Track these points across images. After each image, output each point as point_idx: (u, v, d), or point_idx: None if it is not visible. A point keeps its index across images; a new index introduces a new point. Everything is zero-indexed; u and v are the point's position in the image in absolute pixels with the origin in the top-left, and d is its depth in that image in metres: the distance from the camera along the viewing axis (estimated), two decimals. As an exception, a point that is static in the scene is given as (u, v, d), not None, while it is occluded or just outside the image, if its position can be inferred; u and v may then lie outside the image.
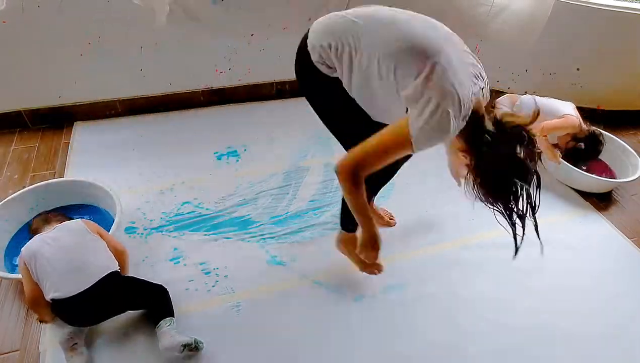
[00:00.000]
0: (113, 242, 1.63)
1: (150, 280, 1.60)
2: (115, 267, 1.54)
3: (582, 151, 2.35)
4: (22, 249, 1.50)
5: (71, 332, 1.46)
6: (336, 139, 1.55)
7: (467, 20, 2.69)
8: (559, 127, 2.32)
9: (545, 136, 2.33)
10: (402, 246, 1.99)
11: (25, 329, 1.58)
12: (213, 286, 1.77)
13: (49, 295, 1.43)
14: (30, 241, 1.53)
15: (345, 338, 1.62)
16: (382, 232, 2.04)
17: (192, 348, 1.44)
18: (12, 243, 1.83)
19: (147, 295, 1.56)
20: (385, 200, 2.21)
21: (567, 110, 2.33)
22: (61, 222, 1.61)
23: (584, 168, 2.40)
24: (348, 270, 1.86)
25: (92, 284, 1.44)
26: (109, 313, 1.52)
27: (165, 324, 1.49)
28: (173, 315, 1.55)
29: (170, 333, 1.47)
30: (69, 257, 1.47)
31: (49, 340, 1.54)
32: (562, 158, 2.33)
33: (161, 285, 1.60)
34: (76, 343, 1.45)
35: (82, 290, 1.42)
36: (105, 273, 1.48)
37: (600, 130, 2.38)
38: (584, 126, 2.34)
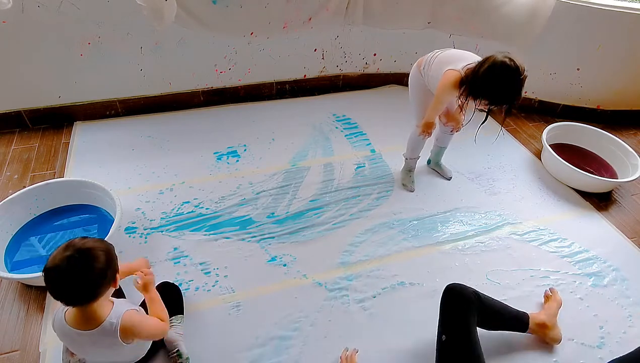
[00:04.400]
0: (153, 331, 1.33)
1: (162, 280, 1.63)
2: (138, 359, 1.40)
3: (473, 85, 1.73)
4: (54, 320, 1.24)
5: None
6: None
7: (467, 17, 2.69)
8: (438, 100, 1.90)
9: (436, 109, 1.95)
10: (403, 246, 1.99)
11: (25, 329, 1.58)
12: (213, 286, 1.77)
13: None
14: (62, 326, 1.21)
15: (346, 338, 1.62)
16: (384, 231, 2.05)
17: (180, 361, 1.45)
18: (12, 243, 1.83)
19: (162, 296, 1.54)
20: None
21: (449, 65, 1.86)
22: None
23: (497, 108, 1.78)
24: (348, 269, 1.87)
25: None
26: None
27: (175, 320, 1.54)
28: (183, 313, 1.59)
29: (178, 330, 1.51)
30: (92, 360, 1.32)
31: (49, 340, 1.54)
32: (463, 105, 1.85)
33: (174, 284, 1.64)
34: None
35: None
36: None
37: (504, 54, 1.74)
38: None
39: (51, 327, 1.53)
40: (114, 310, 1.22)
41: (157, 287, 1.61)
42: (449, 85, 1.82)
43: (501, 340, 1.63)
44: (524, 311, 1.62)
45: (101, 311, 1.19)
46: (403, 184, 2.34)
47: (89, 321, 1.18)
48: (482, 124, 1.81)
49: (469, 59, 1.87)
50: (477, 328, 1.45)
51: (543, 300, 1.80)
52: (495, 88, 1.70)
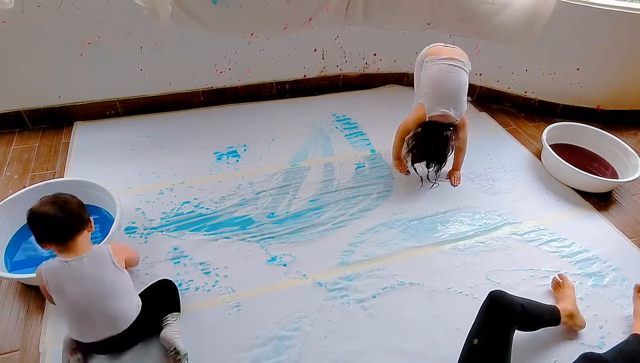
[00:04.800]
0: (131, 256, 1.63)
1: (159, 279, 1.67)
2: (136, 312, 1.47)
3: (414, 149, 2.12)
4: (45, 269, 1.37)
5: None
6: None
7: (467, 17, 2.69)
8: (407, 124, 2.21)
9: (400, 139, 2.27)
10: (403, 246, 1.99)
11: (25, 329, 1.58)
12: (213, 286, 1.77)
13: (69, 333, 1.42)
14: (54, 265, 1.36)
15: (346, 338, 1.62)
16: (384, 231, 2.05)
17: (178, 358, 1.46)
18: (12, 243, 1.83)
19: (158, 293, 1.60)
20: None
21: (421, 98, 2.15)
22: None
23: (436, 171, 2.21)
24: (348, 269, 1.87)
25: (111, 335, 1.42)
26: (130, 347, 1.52)
27: (171, 318, 1.55)
28: (179, 310, 1.60)
29: (173, 328, 1.52)
30: (90, 301, 1.37)
31: (49, 340, 1.54)
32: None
33: (170, 281, 1.66)
34: (77, 347, 1.46)
35: (100, 339, 1.40)
36: (127, 326, 1.43)
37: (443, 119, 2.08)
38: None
39: (51, 327, 1.54)
40: (98, 243, 1.46)
41: (154, 284, 1.64)
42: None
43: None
44: (553, 305, 1.65)
45: (88, 242, 1.43)
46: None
47: (81, 249, 1.38)
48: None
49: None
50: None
51: (552, 288, 1.82)
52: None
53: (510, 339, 1.40)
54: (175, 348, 1.46)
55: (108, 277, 1.40)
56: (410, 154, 2.16)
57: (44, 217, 1.33)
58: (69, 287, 1.35)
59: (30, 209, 1.35)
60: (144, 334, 1.52)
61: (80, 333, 1.40)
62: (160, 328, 1.53)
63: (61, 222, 1.35)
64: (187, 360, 1.47)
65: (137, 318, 1.46)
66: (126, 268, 1.49)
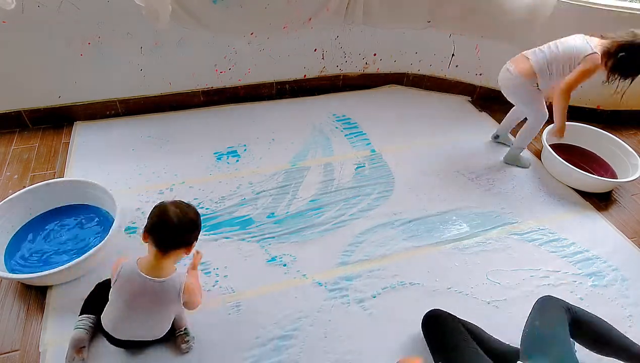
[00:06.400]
0: (197, 300, 1.53)
1: None
2: (163, 334, 1.50)
3: (626, 60, 2.00)
4: (123, 268, 1.41)
5: (85, 335, 1.48)
6: None
7: (467, 16, 2.69)
8: (583, 78, 2.09)
9: (568, 95, 2.15)
10: (403, 246, 2.00)
11: (25, 329, 1.58)
12: (213, 286, 1.77)
13: (105, 324, 1.46)
14: (133, 271, 1.39)
15: (346, 338, 1.62)
16: (385, 231, 2.05)
17: (186, 340, 1.53)
18: (12, 243, 1.83)
19: None
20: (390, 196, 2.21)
21: (587, 50, 2.08)
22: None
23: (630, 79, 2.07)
24: (348, 269, 1.87)
25: (143, 340, 1.49)
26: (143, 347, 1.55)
27: None
28: None
29: (183, 313, 1.56)
30: (140, 313, 1.42)
31: (49, 340, 1.54)
32: (610, 77, 2.09)
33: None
34: (84, 347, 1.47)
35: (120, 338, 1.46)
36: (161, 336, 1.49)
37: (632, 31, 2.02)
38: (618, 36, 2.04)
39: (51, 327, 1.55)
40: (177, 271, 1.44)
41: None
42: (594, 68, 2.06)
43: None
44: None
45: (171, 266, 1.42)
46: (518, 165, 2.51)
47: (160, 270, 1.39)
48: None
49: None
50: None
51: None
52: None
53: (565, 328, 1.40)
54: (186, 329, 1.54)
55: (167, 306, 1.44)
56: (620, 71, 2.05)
57: (171, 219, 1.34)
58: (131, 295, 1.39)
59: (164, 205, 1.37)
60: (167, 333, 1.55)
61: (115, 329, 1.44)
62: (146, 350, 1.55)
63: (179, 232, 1.37)
64: (193, 343, 1.54)
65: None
66: (185, 304, 1.49)
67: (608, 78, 2.08)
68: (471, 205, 2.24)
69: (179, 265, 1.53)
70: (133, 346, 1.51)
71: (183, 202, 1.42)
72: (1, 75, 2.37)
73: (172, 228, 1.35)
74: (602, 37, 2.11)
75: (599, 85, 2.68)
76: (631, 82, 2.05)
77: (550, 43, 2.22)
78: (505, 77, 2.34)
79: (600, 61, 2.06)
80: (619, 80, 2.06)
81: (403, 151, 2.58)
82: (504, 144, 2.68)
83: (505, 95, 2.41)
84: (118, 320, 1.42)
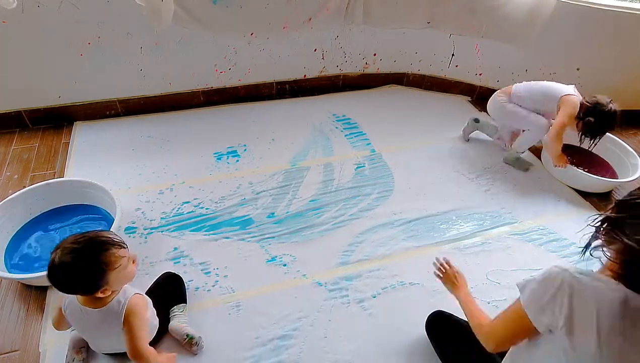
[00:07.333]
0: (135, 345, 1.30)
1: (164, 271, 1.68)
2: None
3: (593, 124, 2.17)
4: (65, 303, 1.31)
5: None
6: None
7: (467, 16, 2.70)
8: (566, 121, 2.20)
9: (560, 137, 2.26)
10: (403, 246, 2.00)
11: (25, 329, 1.58)
12: (213, 286, 1.77)
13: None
14: (73, 305, 1.29)
15: (346, 338, 1.62)
16: (385, 231, 2.05)
17: (194, 343, 1.50)
18: (12, 243, 1.83)
19: (164, 286, 1.61)
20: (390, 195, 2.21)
21: (564, 91, 2.26)
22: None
23: (597, 139, 2.25)
24: (348, 269, 1.87)
25: (115, 352, 1.47)
26: None
27: (178, 310, 1.58)
28: (186, 302, 1.63)
29: (181, 319, 1.55)
30: (97, 340, 1.42)
31: (49, 340, 1.54)
32: (581, 136, 2.24)
33: (175, 274, 1.67)
34: (83, 347, 1.47)
35: (109, 352, 1.47)
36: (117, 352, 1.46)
37: (606, 99, 2.21)
38: (585, 100, 2.21)
39: (51, 327, 1.54)
40: (123, 291, 1.30)
41: (160, 277, 1.65)
42: (574, 110, 2.21)
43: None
44: None
45: (108, 293, 1.26)
46: (525, 169, 2.50)
47: (97, 301, 1.27)
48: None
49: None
50: None
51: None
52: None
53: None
54: (188, 335, 1.51)
55: (117, 329, 1.30)
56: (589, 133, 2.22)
57: (58, 272, 1.18)
58: (80, 326, 1.36)
59: (57, 248, 1.20)
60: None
61: (93, 346, 1.45)
62: (168, 320, 1.55)
63: (74, 282, 1.20)
64: (202, 342, 1.52)
65: None
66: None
67: (580, 137, 2.25)
68: (471, 205, 2.24)
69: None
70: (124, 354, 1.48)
71: (85, 236, 1.21)
72: (1, 75, 2.37)
73: (63, 280, 1.17)
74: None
75: (599, 85, 2.68)
76: (600, 139, 2.24)
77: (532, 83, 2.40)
78: (493, 103, 2.48)
79: (577, 102, 2.21)
80: (590, 139, 2.23)
81: (403, 151, 2.58)
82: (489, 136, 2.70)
83: (500, 122, 2.54)
84: (89, 341, 1.43)
